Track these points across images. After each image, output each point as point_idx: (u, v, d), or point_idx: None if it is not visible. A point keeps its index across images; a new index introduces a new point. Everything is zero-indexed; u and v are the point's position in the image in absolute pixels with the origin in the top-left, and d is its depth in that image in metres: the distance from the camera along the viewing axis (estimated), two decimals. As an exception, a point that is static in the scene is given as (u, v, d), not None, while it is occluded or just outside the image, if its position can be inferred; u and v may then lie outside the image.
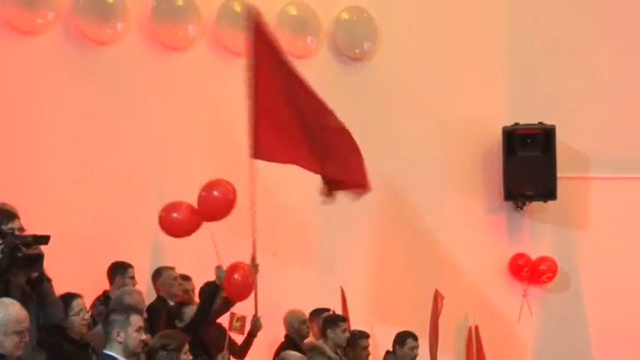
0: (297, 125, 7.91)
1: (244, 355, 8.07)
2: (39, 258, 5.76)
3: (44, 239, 5.78)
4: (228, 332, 7.79)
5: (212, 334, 7.58)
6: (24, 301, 5.49)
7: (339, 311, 9.19)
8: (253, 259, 7.78)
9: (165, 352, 5.85)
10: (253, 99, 7.74)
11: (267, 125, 7.76)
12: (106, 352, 5.58)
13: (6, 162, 8.75)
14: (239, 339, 8.12)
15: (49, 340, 6.09)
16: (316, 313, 8.79)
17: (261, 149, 7.74)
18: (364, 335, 8.72)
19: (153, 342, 5.83)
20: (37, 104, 8.95)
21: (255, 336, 8.01)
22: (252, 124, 7.76)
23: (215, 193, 7.82)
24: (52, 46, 9.12)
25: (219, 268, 7.60)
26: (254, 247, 7.70)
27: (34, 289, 5.84)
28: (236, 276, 7.90)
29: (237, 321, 7.83)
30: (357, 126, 10.09)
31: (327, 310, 8.91)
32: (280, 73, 7.87)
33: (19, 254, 5.66)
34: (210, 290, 7.60)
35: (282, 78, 7.87)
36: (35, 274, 5.83)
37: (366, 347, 8.64)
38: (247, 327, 7.95)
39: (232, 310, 7.84)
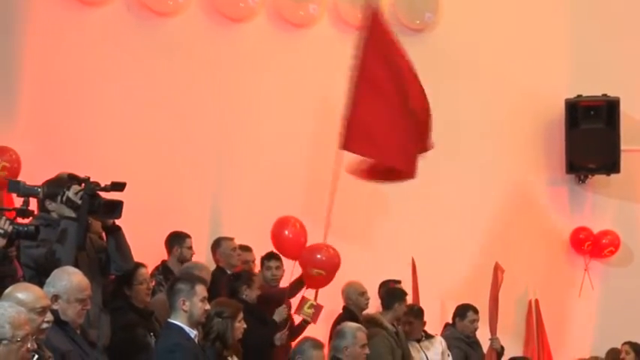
0: (393, 119, 7.70)
1: (294, 339, 7.71)
2: (119, 205, 5.84)
3: (121, 186, 5.87)
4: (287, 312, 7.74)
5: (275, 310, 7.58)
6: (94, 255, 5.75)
7: (407, 281, 9.23)
8: None
9: (220, 319, 5.95)
10: (353, 89, 7.62)
11: (361, 118, 7.58)
12: (171, 320, 5.61)
13: (68, 131, 8.85)
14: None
15: (112, 302, 6.19)
16: (386, 284, 8.80)
17: (350, 141, 7.58)
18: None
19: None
20: (100, 75, 9.00)
21: (309, 323, 7.94)
22: (347, 114, 7.61)
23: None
24: (114, 17, 9.17)
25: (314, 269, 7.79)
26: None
27: (109, 236, 5.95)
28: (319, 256, 7.94)
29: (309, 307, 7.75)
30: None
31: (398, 281, 8.91)
32: (386, 65, 7.74)
33: (100, 201, 5.75)
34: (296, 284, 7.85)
35: (388, 70, 7.75)
36: (112, 222, 5.93)
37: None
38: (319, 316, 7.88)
39: (305, 294, 7.88)
